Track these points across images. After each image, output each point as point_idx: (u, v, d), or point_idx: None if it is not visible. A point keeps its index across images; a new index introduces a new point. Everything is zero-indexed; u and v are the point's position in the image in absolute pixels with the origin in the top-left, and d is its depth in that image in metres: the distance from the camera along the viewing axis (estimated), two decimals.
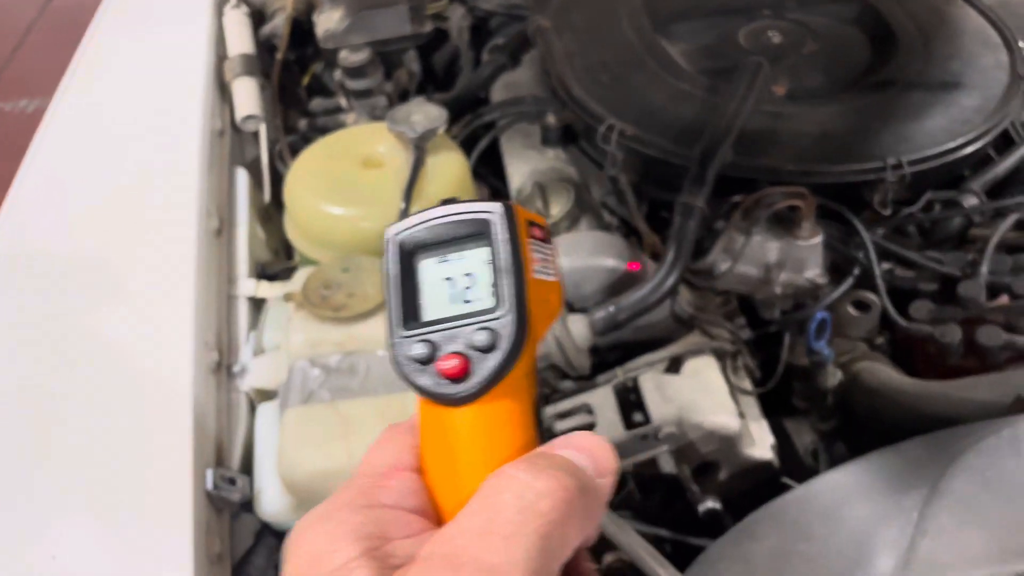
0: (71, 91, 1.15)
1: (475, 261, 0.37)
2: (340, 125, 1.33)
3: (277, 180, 1.15)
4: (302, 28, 1.41)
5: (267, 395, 0.85)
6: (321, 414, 0.76)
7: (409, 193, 0.93)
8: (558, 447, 0.35)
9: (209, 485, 0.71)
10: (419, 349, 0.35)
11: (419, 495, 0.35)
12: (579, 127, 1.05)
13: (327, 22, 1.33)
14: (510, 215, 0.36)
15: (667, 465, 0.83)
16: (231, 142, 1.12)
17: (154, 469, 0.70)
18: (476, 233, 0.36)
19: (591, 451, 0.35)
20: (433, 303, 0.37)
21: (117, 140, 1.04)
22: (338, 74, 1.30)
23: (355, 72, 1.25)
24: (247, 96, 1.13)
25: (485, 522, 0.30)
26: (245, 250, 0.98)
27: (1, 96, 3.33)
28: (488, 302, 0.36)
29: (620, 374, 0.84)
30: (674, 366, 0.87)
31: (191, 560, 0.64)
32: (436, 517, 0.35)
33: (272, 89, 1.23)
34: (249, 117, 1.12)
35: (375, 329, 0.82)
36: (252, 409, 0.84)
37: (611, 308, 0.84)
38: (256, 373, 0.85)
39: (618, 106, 0.98)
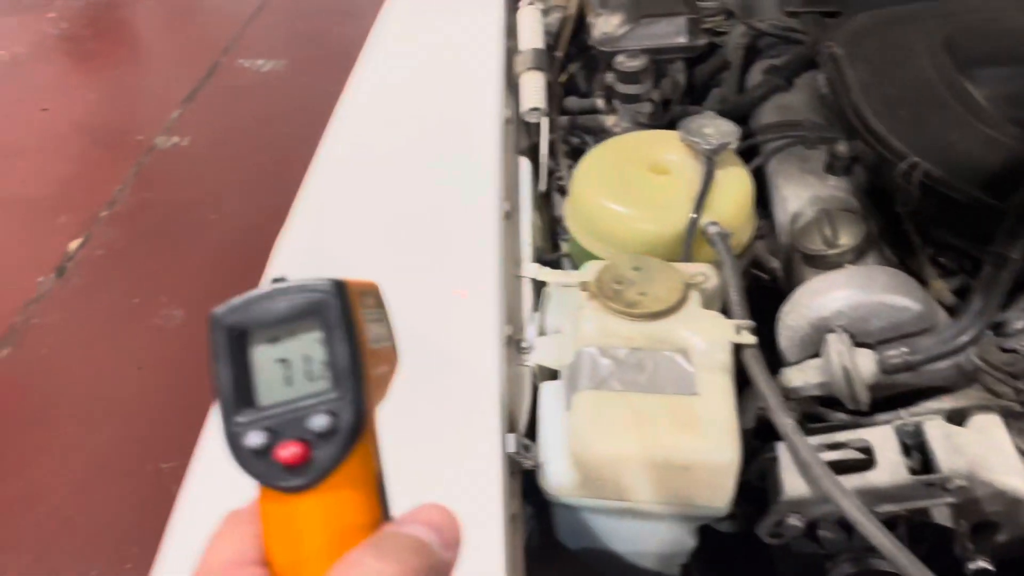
0: (368, 70, 1.25)
1: (308, 341, 0.35)
2: (600, 126, 1.38)
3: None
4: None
5: (547, 374, 0.90)
6: (613, 401, 0.79)
7: (700, 204, 0.96)
8: (404, 524, 0.35)
9: (511, 448, 0.76)
10: (256, 438, 0.34)
11: None
12: (869, 160, 1.04)
13: (604, 25, 1.38)
14: (341, 292, 0.35)
15: (942, 517, 0.82)
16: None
17: (463, 430, 0.75)
18: (308, 312, 0.35)
19: (438, 525, 0.35)
20: (267, 387, 0.35)
21: (416, 119, 1.12)
22: (609, 76, 1.34)
23: (629, 77, 1.29)
24: (534, 89, 1.19)
25: None
26: (528, 234, 1.03)
27: (241, 53, 3.63)
28: (324, 384, 0.35)
29: (905, 416, 0.83)
30: (956, 418, 0.86)
31: (500, 520, 0.69)
32: None
33: (555, 85, 1.29)
34: (534, 109, 1.18)
35: (664, 330, 0.85)
36: (533, 384, 0.89)
37: (905, 349, 0.84)
38: (540, 351, 0.90)
39: (919, 144, 0.96)
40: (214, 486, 0.71)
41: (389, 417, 0.73)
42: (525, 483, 0.82)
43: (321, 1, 4.02)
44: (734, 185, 1.00)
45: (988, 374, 0.87)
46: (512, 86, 1.25)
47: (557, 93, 1.30)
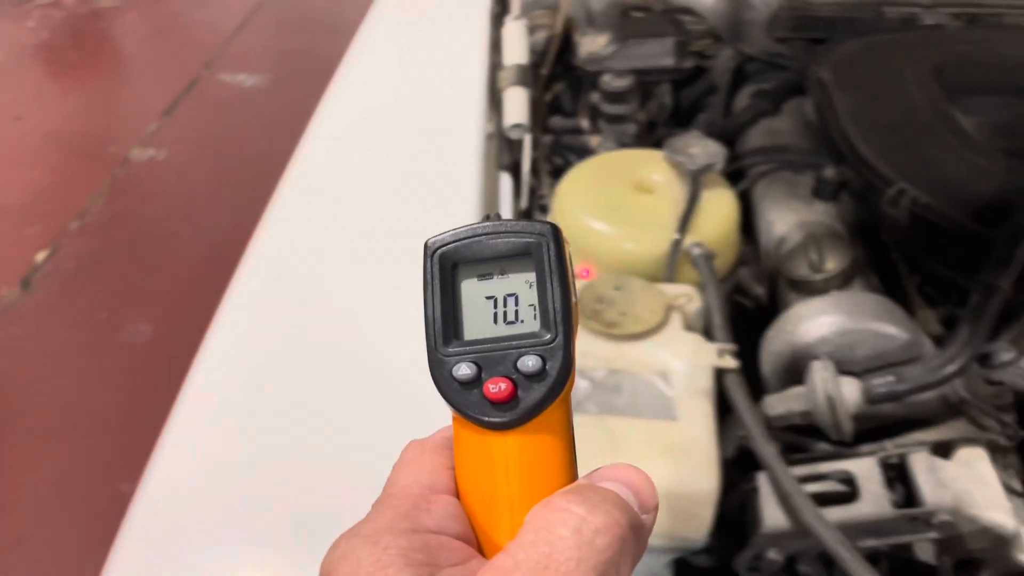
0: (347, 82, 1.21)
1: (519, 282, 0.35)
2: (584, 145, 1.35)
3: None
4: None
5: None
6: (589, 425, 0.76)
7: (685, 224, 0.93)
8: (603, 480, 0.34)
9: None
10: (464, 370, 0.34)
11: (461, 520, 0.34)
12: (856, 186, 1.02)
13: (591, 45, 1.36)
14: (558, 238, 0.35)
15: (925, 553, 0.78)
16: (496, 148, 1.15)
17: None
18: (522, 253, 0.35)
19: (637, 487, 0.34)
20: (475, 322, 0.35)
21: (395, 133, 1.09)
22: (594, 96, 1.32)
23: (614, 97, 1.27)
24: (518, 105, 1.16)
25: (543, 556, 0.29)
26: None
27: (222, 68, 3.59)
28: (533, 326, 0.35)
29: (889, 447, 0.80)
30: (942, 451, 0.83)
31: None
32: (477, 544, 0.34)
33: (539, 102, 1.26)
34: (516, 125, 1.15)
35: (643, 352, 0.82)
36: None
37: (891, 378, 0.81)
38: None
39: (908, 171, 0.94)
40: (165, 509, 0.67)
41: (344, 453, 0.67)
42: None
43: (307, 17, 4.00)
44: (720, 206, 0.98)
45: (974, 406, 0.85)
46: (496, 102, 1.22)
47: (541, 111, 1.28)
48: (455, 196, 0.96)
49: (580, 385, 0.80)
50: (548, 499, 0.32)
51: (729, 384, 0.79)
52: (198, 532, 0.64)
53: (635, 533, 0.31)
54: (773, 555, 0.79)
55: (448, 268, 0.36)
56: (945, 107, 1.03)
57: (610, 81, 1.26)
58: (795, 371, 0.87)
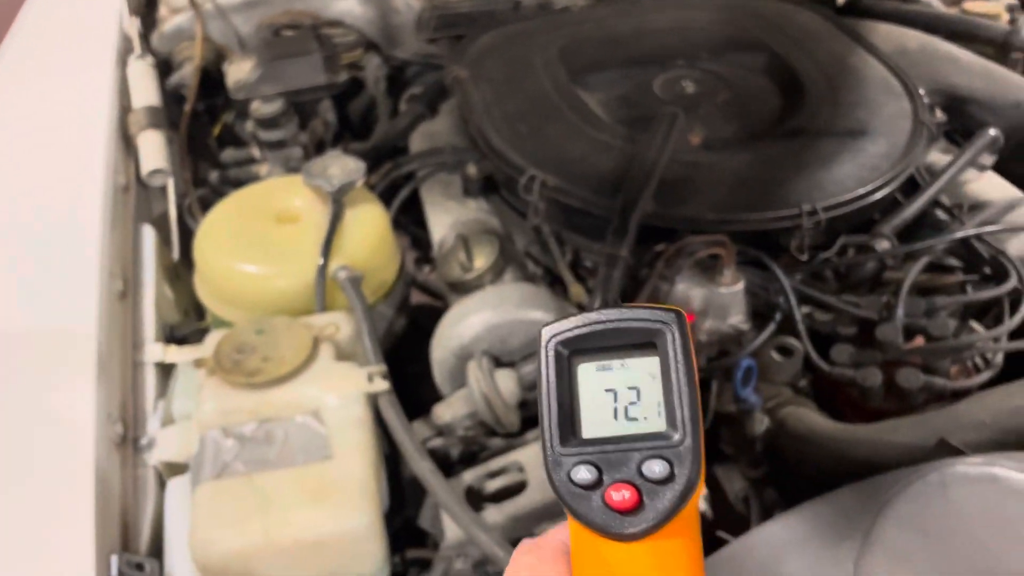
0: None
1: (640, 373, 0.34)
2: (253, 176, 1.29)
3: (187, 236, 1.10)
4: (211, 77, 1.37)
5: (178, 469, 0.79)
6: (236, 488, 0.71)
7: (327, 248, 0.90)
8: None
9: (114, 573, 0.65)
10: (583, 473, 0.32)
11: None
12: (500, 177, 1.04)
13: (238, 72, 1.30)
14: (683, 326, 0.33)
15: None
16: (137, 198, 1.07)
17: (52, 558, 0.64)
18: (644, 343, 0.34)
19: None
20: (594, 418, 0.34)
21: (11, 198, 0.98)
22: (250, 125, 1.26)
23: (267, 123, 1.22)
24: (153, 150, 1.08)
25: None
26: (152, 312, 0.92)
27: None
28: (658, 424, 0.33)
29: None
30: None
31: None
32: None
33: (180, 141, 1.18)
34: (155, 171, 1.07)
35: (292, 394, 0.78)
36: (162, 485, 0.78)
37: None
38: (164, 445, 0.79)
39: (538, 156, 0.97)
40: None
41: None
42: None
43: None
44: (367, 223, 0.96)
45: None
46: (133, 149, 1.13)
47: (180, 149, 1.19)
48: (71, 262, 0.87)
49: (226, 445, 0.75)
50: None
51: (382, 407, 0.78)
52: None
53: None
54: (460, 565, 0.78)
55: (564, 359, 0.34)
56: (568, 88, 1.08)
57: (259, 107, 1.21)
58: (461, 374, 0.87)
